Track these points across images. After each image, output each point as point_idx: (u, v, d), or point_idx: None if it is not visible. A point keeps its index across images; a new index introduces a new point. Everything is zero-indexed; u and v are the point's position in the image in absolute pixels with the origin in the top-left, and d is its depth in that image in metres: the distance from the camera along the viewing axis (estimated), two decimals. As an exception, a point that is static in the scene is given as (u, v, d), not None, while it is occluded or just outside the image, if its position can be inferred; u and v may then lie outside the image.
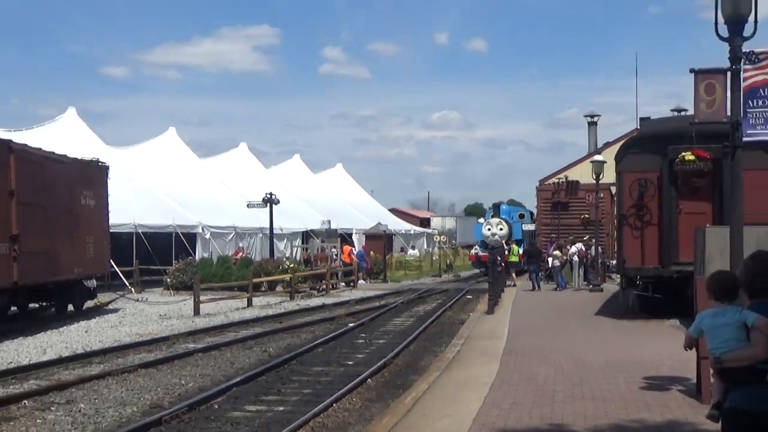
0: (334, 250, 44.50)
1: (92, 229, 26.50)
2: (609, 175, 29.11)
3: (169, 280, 36.23)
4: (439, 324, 22.95)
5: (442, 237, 64.95)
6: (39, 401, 12.46)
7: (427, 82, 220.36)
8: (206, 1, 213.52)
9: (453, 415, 9.66)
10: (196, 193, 44.95)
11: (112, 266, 31.04)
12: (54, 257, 23.32)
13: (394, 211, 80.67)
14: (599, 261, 33.25)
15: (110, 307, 28.57)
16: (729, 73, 10.48)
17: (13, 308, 23.54)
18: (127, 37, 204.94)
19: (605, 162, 31.31)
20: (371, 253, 48.48)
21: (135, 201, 38.01)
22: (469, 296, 32.23)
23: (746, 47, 10.24)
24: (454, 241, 74.21)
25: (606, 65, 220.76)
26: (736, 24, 9.85)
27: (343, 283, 40.58)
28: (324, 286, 37.39)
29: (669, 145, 19.21)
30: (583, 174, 43.23)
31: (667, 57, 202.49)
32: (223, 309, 27.88)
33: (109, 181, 28.51)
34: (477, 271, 47.79)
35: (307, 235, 49.54)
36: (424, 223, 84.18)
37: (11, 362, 16.26)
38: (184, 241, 40.24)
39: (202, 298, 27.42)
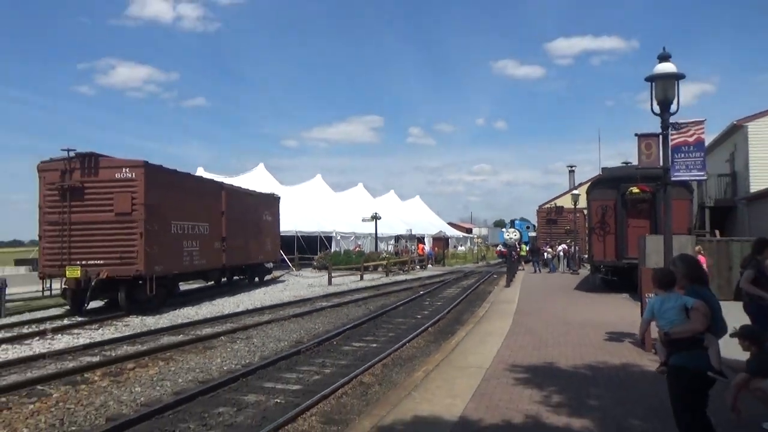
0: (412, 247, 44.16)
1: (269, 234, 26.66)
2: (582, 202, 28.66)
3: (315, 263, 36.18)
4: (475, 293, 22.05)
5: (479, 239, 63.83)
6: (230, 337, 12.33)
7: (471, 147, 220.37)
8: (342, 101, 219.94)
9: (481, 353, 8.98)
10: (332, 213, 44.94)
11: (282, 255, 31.22)
12: (247, 249, 23.50)
13: (450, 224, 79.07)
14: (576, 255, 32.22)
15: (280, 279, 28.66)
16: (661, 136, 9.65)
17: (224, 280, 23.78)
18: (297, 122, 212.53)
19: (579, 194, 30.91)
20: (436, 249, 47.73)
21: (296, 217, 38.21)
22: (494, 276, 31.11)
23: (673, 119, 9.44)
24: (486, 242, 73.47)
25: (580, 135, 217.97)
26: (665, 104, 9.05)
27: (419, 267, 39.88)
28: (407, 268, 36.81)
29: (621, 183, 18.33)
30: (565, 202, 43.03)
31: (617, 131, 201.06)
32: (345, 281, 27.56)
33: (280, 205, 28.69)
34: (500, 260, 46.79)
35: (397, 238, 49.04)
36: (468, 231, 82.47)
37: (218, 312, 16.31)
38: (325, 241, 40.26)
39: (333, 274, 27.24)
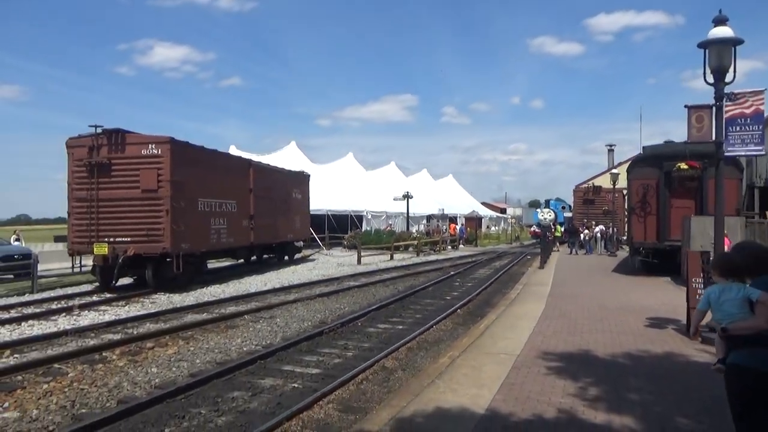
0: (444, 227, 43.48)
1: (299, 212, 26.40)
2: (621, 182, 27.75)
3: (345, 242, 35.90)
4: (507, 274, 21.36)
5: (513, 219, 62.58)
6: (253, 316, 12.07)
7: (506, 126, 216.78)
8: (376, 81, 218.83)
9: (511, 338, 8.47)
10: (363, 192, 44.45)
11: (312, 234, 31.01)
12: (275, 227, 23.28)
13: (483, 203, 77.69)
14: (615, 237, 31.11)
15: (310, 258, 28.48)
16: (714, 108, 8.82)
17: (252, 258, 23.66)
18: (331, 102, 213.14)
19: (619, 173, 30.09)
20: (468, 229, 46.95)
21: (327, 196, 37.92)
22: (528, 257, 30.27)
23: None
24: (521, 222, 72.15)
25: (620, 114, 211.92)
26: (719, 73, 8.26)
27: (450, 246, 39.24)
28: (438, 248, 36.26)
29: (664, 161, 17.32)
30: (604, 182, 41.74)
31: (659, 110, 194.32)
32: (375, 261, 27.21)
33: (310, 183, 28.38)
34: (534, 241, 45.62)
35: (429, 217, 48.36)
36: (502, 211, 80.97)
37: (244, 291, 16.08)
38: (355, 220, 39.89)
39: (363, 253, 26.91)
